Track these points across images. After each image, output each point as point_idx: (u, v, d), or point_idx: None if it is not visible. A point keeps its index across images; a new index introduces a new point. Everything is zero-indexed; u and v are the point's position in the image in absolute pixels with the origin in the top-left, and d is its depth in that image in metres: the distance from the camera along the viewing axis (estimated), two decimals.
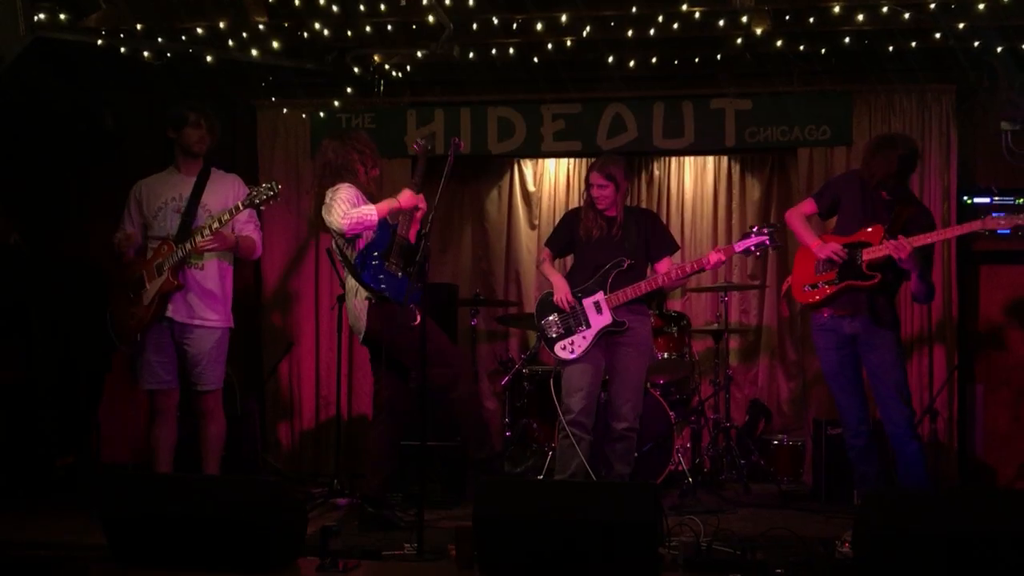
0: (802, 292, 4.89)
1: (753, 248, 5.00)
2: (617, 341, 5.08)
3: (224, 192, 5.07)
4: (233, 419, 5.93)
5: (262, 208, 4.96)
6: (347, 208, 4.70)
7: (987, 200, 6.30)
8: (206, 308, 4.97)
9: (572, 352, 5.06)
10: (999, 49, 5.84)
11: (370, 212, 4.73)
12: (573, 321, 5.09)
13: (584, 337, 5.06)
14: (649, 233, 5.21)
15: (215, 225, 4.85)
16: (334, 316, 6.21)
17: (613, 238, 5.14)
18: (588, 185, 5.15)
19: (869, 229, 4.74)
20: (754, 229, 5.06)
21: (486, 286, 7.20)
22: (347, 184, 4.82)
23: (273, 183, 4.88)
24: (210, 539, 3.87)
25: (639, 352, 5.11)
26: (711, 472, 6.18)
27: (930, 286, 4.75)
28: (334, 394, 6.25)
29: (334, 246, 5.03)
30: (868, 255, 4.70)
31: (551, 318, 5.16)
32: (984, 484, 6.16)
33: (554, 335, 5.13)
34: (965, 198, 6.30)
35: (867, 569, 3.70)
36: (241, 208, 4.88)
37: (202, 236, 4.84)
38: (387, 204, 4.81)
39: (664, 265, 5.20)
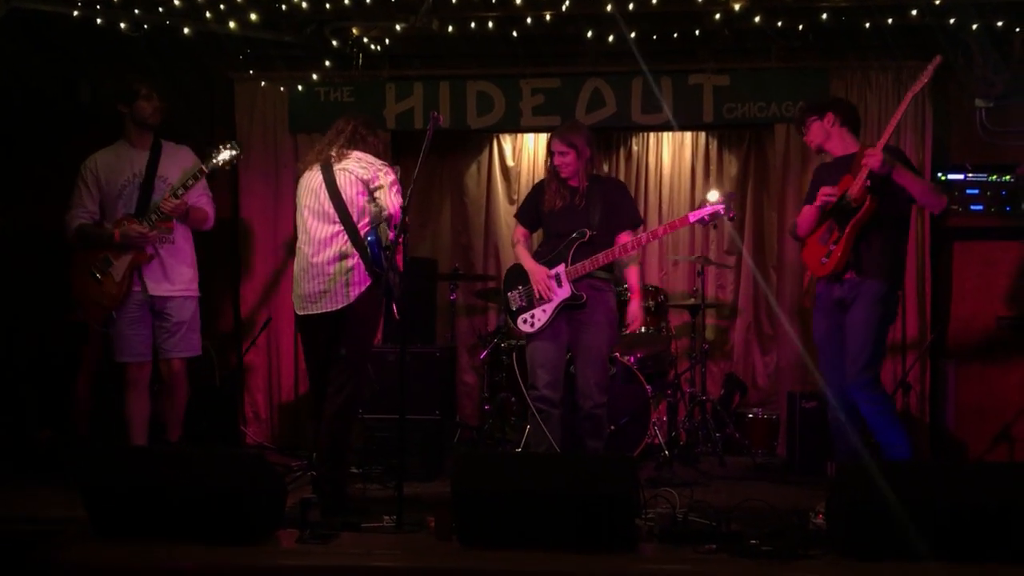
0: (821, 267, 4.77)
1: (707, 218, 4.90)
2: (579, 319, 5.00)
3: (179, 163, 5.12)
4: (212, 392, 5.95)
5: (226, 169, 5.01)
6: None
7: (961, 177, 6.37)
8: (181, 278, 5.06)
9: (532, 326, 5.02)
10: (974, 26, 5.87)
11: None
12: (535, 294, 5.05)
13: (544, 311, 5.00)
14: (612, 204, 5.09)
15: (180, 191, 4.92)
16: None
17: (576, 208, 5.04)
18: (550, 153, 5.07)
19: (842, 182, 4.67)
20: (709, 198, 4.99)
21: (465, 260, 7.23)
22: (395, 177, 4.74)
23: (234, 143, 4.94)
24: (190, 511, 3.89)
25: (599, 330, 4.99)
26: (687, 445, 6.25)
27: (928, 186, 4.67)
28: None
29: (348, 206, 4.63)
30: (851, 193, 4.57)
31: (515, 291, 5.14)
32: (955, 458, 6.25)
33: (515, 308, 5.11)
34: (939, 175, 6.36)
35: (840, 539, 3.77)
36: (206, 171, 4.94)
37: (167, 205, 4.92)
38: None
39: (624, 238, 5.07)
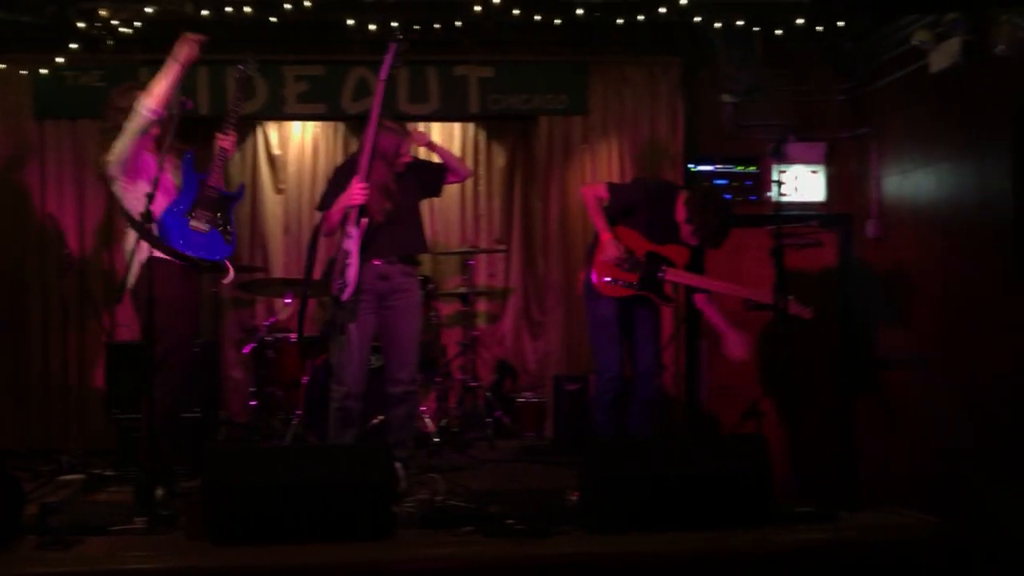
0: (603, 283, 5.12)
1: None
2: (389, 304, 4.90)
3: None
4: None
5: None
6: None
7: (711, 168, 6.74)
8: None
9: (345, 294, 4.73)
10: (717, 25, 6.20)
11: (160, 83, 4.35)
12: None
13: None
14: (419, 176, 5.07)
15: None
16: (60, 286, 5.86)
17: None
18: (401, 154, 4.94)
19: (675, 247, 5.12)
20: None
21: None
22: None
23: None
24: None
25: (406, 313, 4.93)
26: (458, 432, 6.31)
27: None
28: (59, 366, 5.93)
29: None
30: (672, 276, 5.09)
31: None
32: (709, 432, 6.62)
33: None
34: (690, 166, 6.71)
35: (589, 512, 3.92)
36: None
37: None
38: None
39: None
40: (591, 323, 5.27)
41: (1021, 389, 5.00)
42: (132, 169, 4.44)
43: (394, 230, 4.86)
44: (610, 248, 5.02)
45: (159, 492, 4.23)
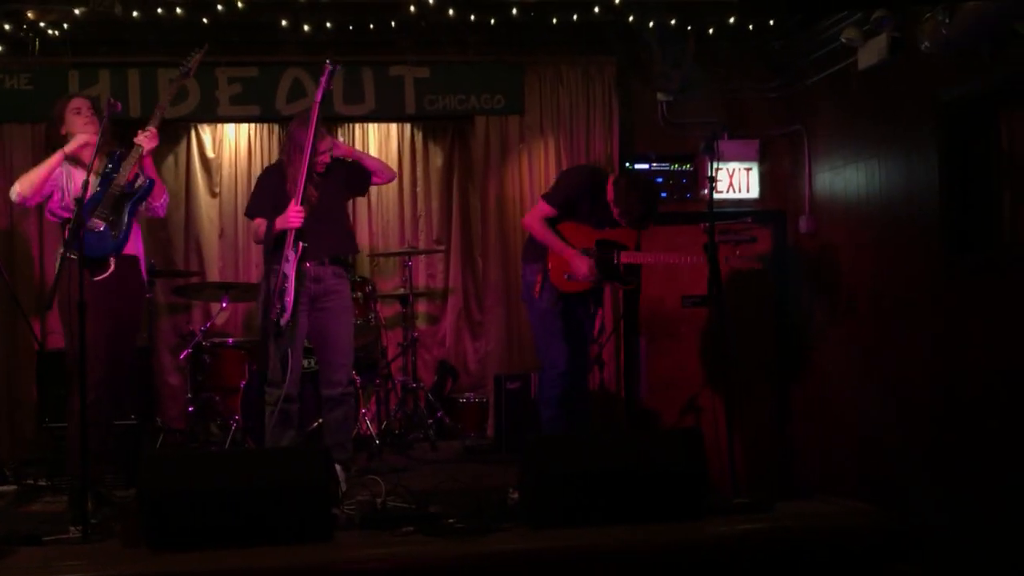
0: (564, 281, 5.16)
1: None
2: (320, 306, 4.84)
3: None
4: None
5: None
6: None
7: (646, 166, 6.80)
8: None
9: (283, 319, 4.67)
10: (651, 24, 6.27)
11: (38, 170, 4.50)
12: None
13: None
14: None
15: None
16: None
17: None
18: (319, 152, 4.80)
19: (622, 230, 5.17)
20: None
21: (164, 256, 6.89)
22: None
23: None
24: None
25: (339, 314, 4.89)
26: (399, 433, 6.30)
27: None
28: None
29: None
30: (626, 258, 5.12)
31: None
32: (649, 427, 6.68)
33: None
34: (627, 164, 6.76)
35: (529, 508, 3.94)
36: None
37: None
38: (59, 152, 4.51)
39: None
40: (539, 321, 5.27)
41: (945, 381, 5.12)
42: (41, 194, 4.58)
43: (321, 230, 4.79)
44: (579, 265, 5.09)
45: (90, 501, 4.16)
